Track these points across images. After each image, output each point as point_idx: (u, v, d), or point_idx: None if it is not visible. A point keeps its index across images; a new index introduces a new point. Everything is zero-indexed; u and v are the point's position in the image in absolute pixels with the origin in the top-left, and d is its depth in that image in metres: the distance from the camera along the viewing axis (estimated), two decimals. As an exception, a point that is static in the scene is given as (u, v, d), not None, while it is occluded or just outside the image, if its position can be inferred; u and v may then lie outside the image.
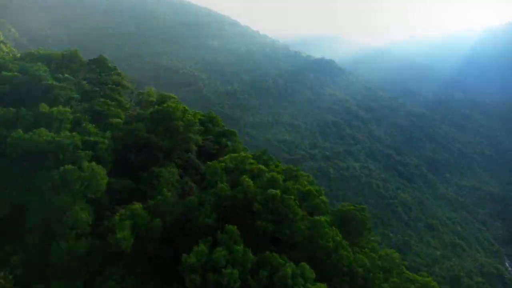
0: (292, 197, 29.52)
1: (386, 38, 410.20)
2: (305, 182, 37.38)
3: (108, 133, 32.96)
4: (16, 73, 35.19)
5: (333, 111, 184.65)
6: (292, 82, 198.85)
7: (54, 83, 35.38)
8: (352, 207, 39.39)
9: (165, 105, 36.80)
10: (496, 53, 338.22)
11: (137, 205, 26.62)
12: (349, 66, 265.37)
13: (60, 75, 39.22)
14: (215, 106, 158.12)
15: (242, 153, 37.63)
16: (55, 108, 30.27)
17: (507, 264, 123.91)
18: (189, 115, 46.76)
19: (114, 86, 45.82)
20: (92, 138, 30.49)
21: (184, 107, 48.28)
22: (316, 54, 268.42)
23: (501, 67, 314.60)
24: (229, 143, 46.45)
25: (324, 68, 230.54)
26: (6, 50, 63.83)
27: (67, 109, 31.74)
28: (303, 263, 25.56)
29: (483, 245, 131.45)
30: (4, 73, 35.19)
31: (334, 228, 30.42)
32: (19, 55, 52.17)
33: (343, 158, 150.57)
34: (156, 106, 37.37)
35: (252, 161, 36.22)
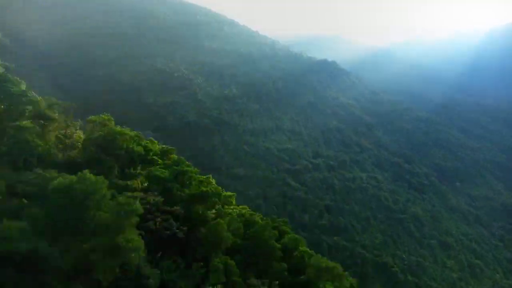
0: None
1: (387, 39, 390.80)
2: None
3: None
4: None
5: (336, 116, 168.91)
6: (293, 85, 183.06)
7: None
8: None
9: (76, 177, 18.65)
10: (501, 54, 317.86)
11: None
12: (350, 67, 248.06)
13: None
14: (212, 112, 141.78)
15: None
16: None
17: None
18: (155, 159, 28.61)
19: (26, 122, 27.83)
20: None
21: (145, 147, 30.08)
22: (316, 55, 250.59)
23: (506, 68, 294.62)
24: (211, 213, 28.64)
25: (326, 70, 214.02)
26: None
27: None
28: None
29: (502, 264, 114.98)
30: None
31: None
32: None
33: (349, 167, 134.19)
34: (60, 179, 19.18)
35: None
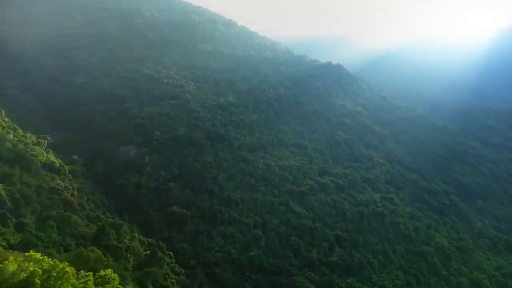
0: None
1: (393, 40, 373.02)
2: None
3: None
4: None
5: (344, 126, 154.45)
6: (295, 91, 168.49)
7: None
8: None
9: None
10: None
11: None
12: (356, 71, 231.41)
13: None
14: (205, 124, 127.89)
15: None
16: None
17: None
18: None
19: None
20: None
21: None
22: (319, 57, 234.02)
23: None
24: None
25: (332, 74, 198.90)
26: None
27: None
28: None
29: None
30: None
31: None
32: None
33: (360, 187, 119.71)
34: None
35: None
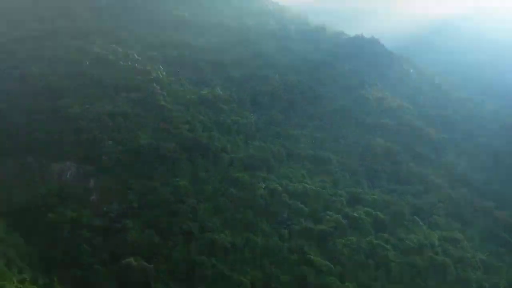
0: None
1: (447, 6, 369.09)
2: None
3: None
4: None
5: (383, 130, 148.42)
6: (312, 79, 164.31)
7: None
8: None
9: None
10: None
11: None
12: (396, 49, 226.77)
13: None
14: (180, 128, 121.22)
15: None
16: None
17: None
18: None
19: None
20: None
21: None
22: (344, 30, 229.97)
23: None
24: None
25: (365, 54, 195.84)
26: None
27: None
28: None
29: None
30: None
31: None
32: None
33: (409, 223, 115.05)
34: None
35: None
